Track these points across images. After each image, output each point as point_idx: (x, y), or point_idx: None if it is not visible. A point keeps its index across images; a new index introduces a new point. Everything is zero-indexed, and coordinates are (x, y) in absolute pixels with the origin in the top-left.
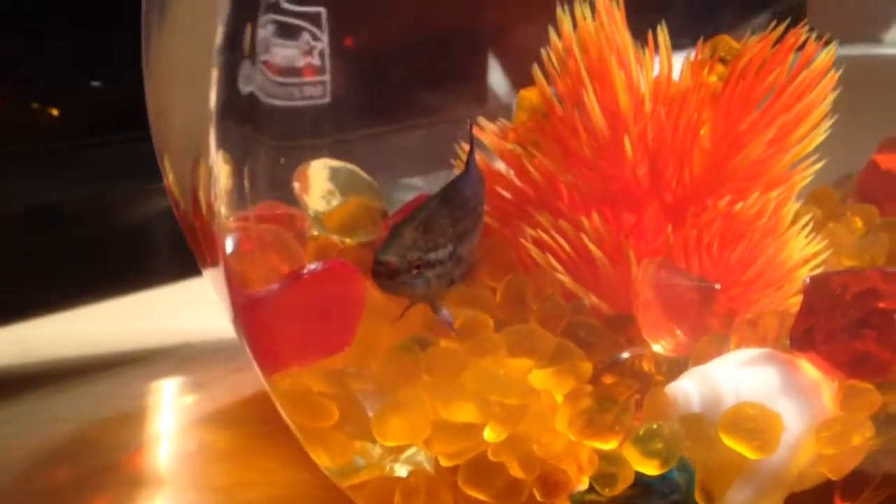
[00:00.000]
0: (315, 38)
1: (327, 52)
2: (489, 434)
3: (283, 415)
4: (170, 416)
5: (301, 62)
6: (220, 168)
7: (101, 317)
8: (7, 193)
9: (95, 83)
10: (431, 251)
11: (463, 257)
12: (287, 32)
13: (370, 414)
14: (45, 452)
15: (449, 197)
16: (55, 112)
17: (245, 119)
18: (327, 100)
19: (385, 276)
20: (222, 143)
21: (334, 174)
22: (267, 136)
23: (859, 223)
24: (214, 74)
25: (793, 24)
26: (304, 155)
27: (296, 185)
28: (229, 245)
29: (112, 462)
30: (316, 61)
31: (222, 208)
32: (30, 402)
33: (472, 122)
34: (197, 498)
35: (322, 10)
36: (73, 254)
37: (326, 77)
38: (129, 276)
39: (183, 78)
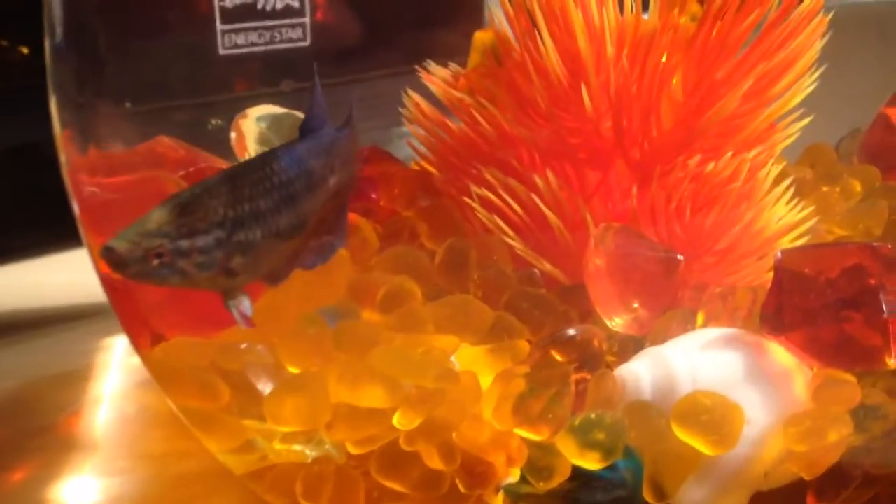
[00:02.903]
0: None
1: None
2: (399, 420)
3: (164, 394)
4: (115, 376)
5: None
6: (54, 113)
7: (62, 267)
8: None
9: None
10: (184, 238)
11: (251, 243)
12: None
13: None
14: None
15: (241, 171)
16: (25, 50)
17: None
18: (307, 43)
19: (114, 265)
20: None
21: (276, 121)
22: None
23: (857, 187)
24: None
25: None
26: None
27: (232, 134)
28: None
29: (48, 423)
30: (295, 3)
31: (62, 156)
32: None
33: (316, 85)
34: (128, 466)
35: None
36: (41, 200)
37: (306, 19)
38: None
39: None
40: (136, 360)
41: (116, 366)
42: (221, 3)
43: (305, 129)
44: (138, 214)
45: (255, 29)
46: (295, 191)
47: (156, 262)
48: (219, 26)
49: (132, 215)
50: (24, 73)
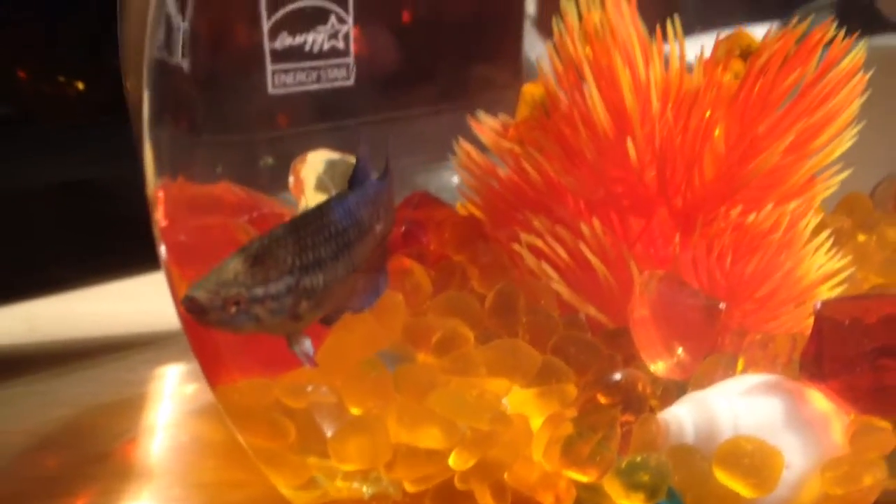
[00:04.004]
0: (340, 20)
1: (351, 33)
2: (455, 460)
3: (234, 430)
4: (169, 405)
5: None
6: (149, 160)
7: (114, 297)
8: (33, 169)
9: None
10: (259, 286)
11: (315, 289)
12: (310, 16)
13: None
14: (39, 437)
15: (303, 222)
16: (80, 86)
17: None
18: (351, 82)
19: (195, 313)
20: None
21: (331, 167)
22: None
23: (893, 236)
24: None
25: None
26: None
27: (290, 179)
28: (169, 247)
29: (104, 451)
30: (340, 44)
31: (159, 214)
32: (32, 384)
33: (360, 138)
34: (183, 495)
35: None
36: (96, 231)
37: (350, 59)
38: (147, 255)
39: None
40: (188, 390)
41: (170, 395)
42: (272, 45)
43: (353, 182)
44: (215, 260)
45: (303, 69)
46: (349, 239)
47: (233, 309)
48: (269, 66)
49: (209, 260)
50: (80, 109)
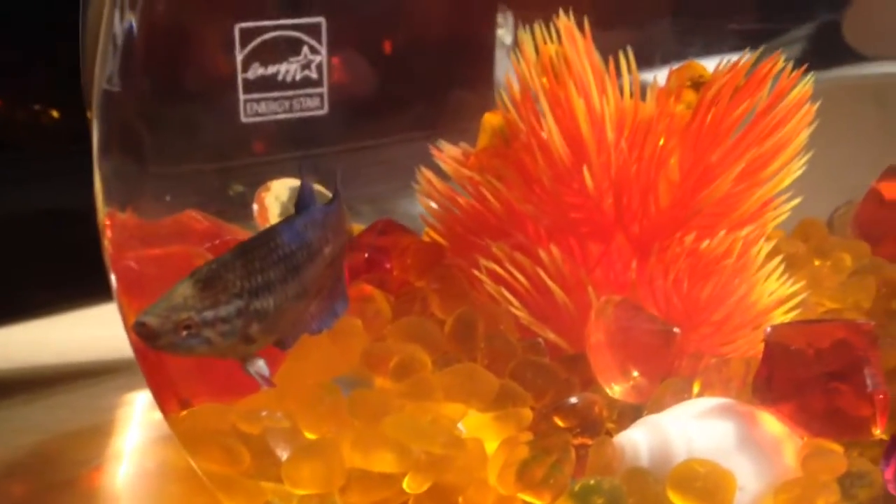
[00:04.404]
0: (313, 50)
1: (325, 64)
2: (409, 484)
3: (188, 457)
4: (136, 431)
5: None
6: (98, 185)
7: (87, 323)
8: (5, 195)
9: None
10: (209, 309)
11: (265, 311)
12: (284, 46)
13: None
14: (6, 464)
15: (251, 245)
16: (55, 114)
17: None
18: (325, 111)
19: (146, 338)
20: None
21: (294, 194)
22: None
23: (848, 261)
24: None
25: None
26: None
27: (254, 206)
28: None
29: (69, 478)
30: (314, 74)
31: (107, 242)
32: (2, 410)
33: (302, 165)
34: None
35: (322, 20)
36: (68, 257)
37: (324, 89)
38: None
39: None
40: (156, 416)
41: (137, 421)
42: (244, 75)
43: (299, 207)
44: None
45: (275, 99)
46: (298, 262)
47: (184, 333)
48: (241, 96)
49: (166, 288)
50: (54, 137)
